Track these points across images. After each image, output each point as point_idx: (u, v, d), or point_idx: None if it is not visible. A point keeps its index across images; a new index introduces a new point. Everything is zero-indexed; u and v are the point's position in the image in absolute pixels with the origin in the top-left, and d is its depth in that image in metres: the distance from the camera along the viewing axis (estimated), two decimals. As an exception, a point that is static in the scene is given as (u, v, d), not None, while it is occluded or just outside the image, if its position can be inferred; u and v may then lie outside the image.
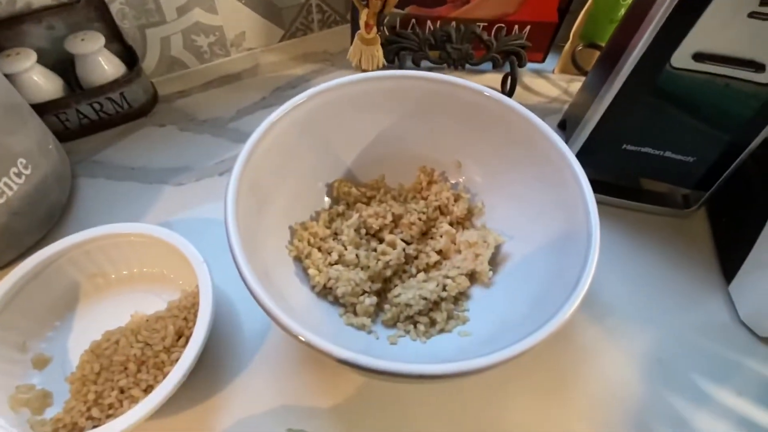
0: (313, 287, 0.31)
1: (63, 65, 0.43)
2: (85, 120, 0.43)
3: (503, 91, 0.50)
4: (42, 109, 0.40)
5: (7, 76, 0.35)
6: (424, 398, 0.31)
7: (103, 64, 0.42)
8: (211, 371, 0.31)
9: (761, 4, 0.27)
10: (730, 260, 0.37)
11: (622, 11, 0.46)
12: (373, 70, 0.45)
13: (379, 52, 0.48)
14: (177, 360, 0.27)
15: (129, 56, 0.45)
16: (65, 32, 0.42)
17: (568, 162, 0.29)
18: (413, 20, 0.49)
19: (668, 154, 0.37)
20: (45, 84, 0.41)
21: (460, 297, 0.32)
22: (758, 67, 0.30)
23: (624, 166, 0.39)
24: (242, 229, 0.25)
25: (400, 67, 0.49)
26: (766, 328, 0.34)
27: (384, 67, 0.50)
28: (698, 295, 0.37)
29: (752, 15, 0.28)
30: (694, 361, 0.34)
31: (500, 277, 0.33)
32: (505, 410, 0.31)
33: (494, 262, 0.33)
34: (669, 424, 0.31)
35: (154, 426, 0.29)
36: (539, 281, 0.29)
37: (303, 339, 0.22)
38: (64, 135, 0.43)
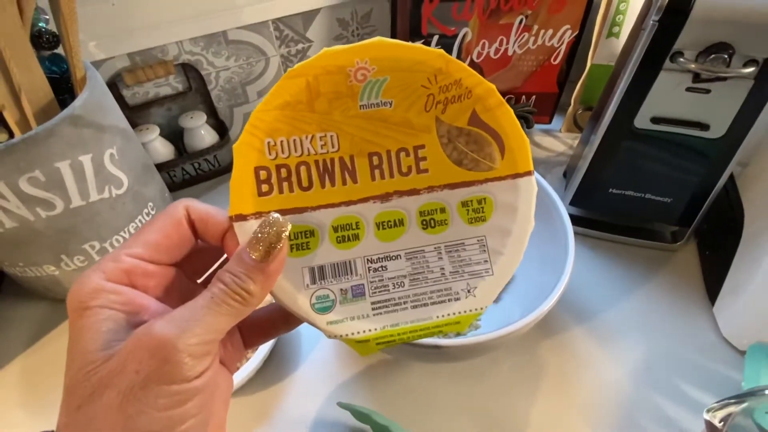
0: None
1: (174, 135, 0.58)
2: (186, 175, 0.57)
3: (515, 148, 0.60)
4: (159, 167, 0.54)
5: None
6: (450, 389, 0.38)
7: (203, 135, 0.56)
8: (279, 363, 0.40)
9: (693, 81, 0.36)
10: (713, 285, 0.43)
11: (612, 82, 0.56)
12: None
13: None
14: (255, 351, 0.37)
15: (221, 127, 0.60)
16: (178, 112, 0.57)
17: (555, 204, 0.38)
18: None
19: (648, 196, 0.45)
20: (163, 150, 0.55)
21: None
22: (703, 126, 0.38)
23: (613, 207, 0.47)
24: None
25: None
26: (744, 343, 0.39)
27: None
28: (687, 316, 0.43)
29: (689, 89, 0.37)
30: (680, 370, 0.39)
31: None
32: (514, 407, 0.38)
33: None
34: (655, 421, 0.36)
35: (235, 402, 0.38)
36: (525, 293, 0.38)
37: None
38: (171, 187, 0.56)
